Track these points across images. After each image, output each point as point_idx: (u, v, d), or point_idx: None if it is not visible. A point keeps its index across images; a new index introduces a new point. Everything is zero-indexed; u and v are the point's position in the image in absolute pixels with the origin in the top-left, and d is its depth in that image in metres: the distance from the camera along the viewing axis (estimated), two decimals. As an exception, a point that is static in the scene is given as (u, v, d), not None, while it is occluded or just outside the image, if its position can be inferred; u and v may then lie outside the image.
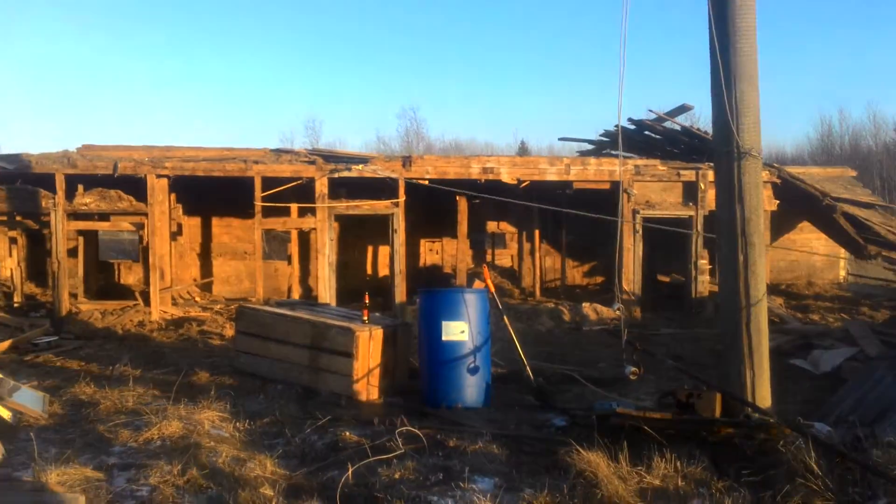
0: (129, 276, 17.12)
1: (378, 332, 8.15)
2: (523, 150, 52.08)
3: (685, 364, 9.82)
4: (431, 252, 18.77)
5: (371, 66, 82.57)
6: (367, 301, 8.40)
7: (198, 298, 15.86)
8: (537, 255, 17.44)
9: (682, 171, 14.66)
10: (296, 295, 15.23)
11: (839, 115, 61.70)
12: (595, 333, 13.03)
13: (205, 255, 17.69)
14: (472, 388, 7.87)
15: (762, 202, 6.83)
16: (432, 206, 16.02)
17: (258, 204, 13.28)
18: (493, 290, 8.41)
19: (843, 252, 18.16)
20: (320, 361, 8.28)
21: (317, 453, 6.27)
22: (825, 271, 18.94)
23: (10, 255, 14.18)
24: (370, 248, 18.33)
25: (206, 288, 17.26)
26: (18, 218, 13.19)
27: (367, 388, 8.03)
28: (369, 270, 18.46)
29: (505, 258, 19.10)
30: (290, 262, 15.90)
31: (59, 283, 12.57)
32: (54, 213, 12.49)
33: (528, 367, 8.27)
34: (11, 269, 14.19)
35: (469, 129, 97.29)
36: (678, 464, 5.27)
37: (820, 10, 66.87)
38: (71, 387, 8.42)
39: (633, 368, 7.23)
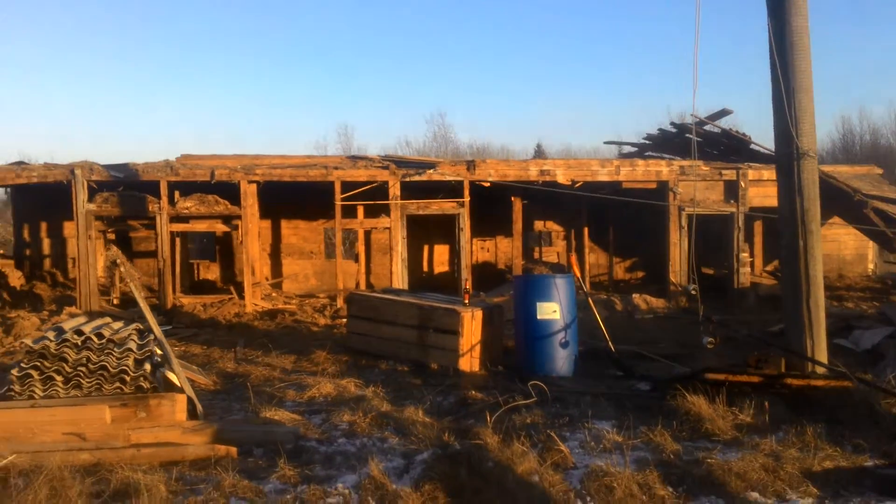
0: (208, 273, 18.51)
1: (479, 313, 9.40)
2: (539, 153, 53.13)
3: (740, 342, 11.01)
4: (482, 250, 20.05)
5: (393, 72, 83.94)
6: (468, 287, 9.68)
7: (274, 294, 17.18)
8: (585, 251, 18.68)
9: (723, 171, 15.85)
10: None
11: (859, 113, 62.35)
12: (648, 320, 14.23)
13: (274, 255, 19.04)
14: (563, 360, 9.10)
15: (818, 195, 8.06)
16: (484, 206, 17.28)
17: (338, 204, 14.56)
18: (579, 275, 9.65)
19: (871, 246, 19.29)
20: (427, 339, 9.53)
21: (449, 408, 7.51)
22: (854, 264, 20.03)
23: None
24: (426, 247, 19.62)
25: (276, 285, 18.60)
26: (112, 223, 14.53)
27: (471, 360, 9.27)
28: (426, 268, 19.76)
29: (551, 255, 20.34)
30: (356, 260, 17.21)
31: (164, 279, 13.95)
32: (159, 217, 13.88)
33: (609, 342, 9.52)
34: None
35: (489, 133, 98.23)
36: (764, 405, 6.53)
37: (841, 8, 67.69)
38: (215, 363, 9.76)
39: (710, 339, 8.44)
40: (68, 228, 17.00)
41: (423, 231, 18.73)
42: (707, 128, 16.99)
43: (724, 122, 16.58)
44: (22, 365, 5.99)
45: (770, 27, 7.93)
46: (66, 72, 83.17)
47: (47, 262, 17.33)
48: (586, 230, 18.50)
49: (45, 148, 66.03)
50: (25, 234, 17.53)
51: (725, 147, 17.25)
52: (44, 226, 17.38)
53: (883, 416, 6.22)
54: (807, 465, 5.39)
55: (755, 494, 4.99)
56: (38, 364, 5.99)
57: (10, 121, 75.40)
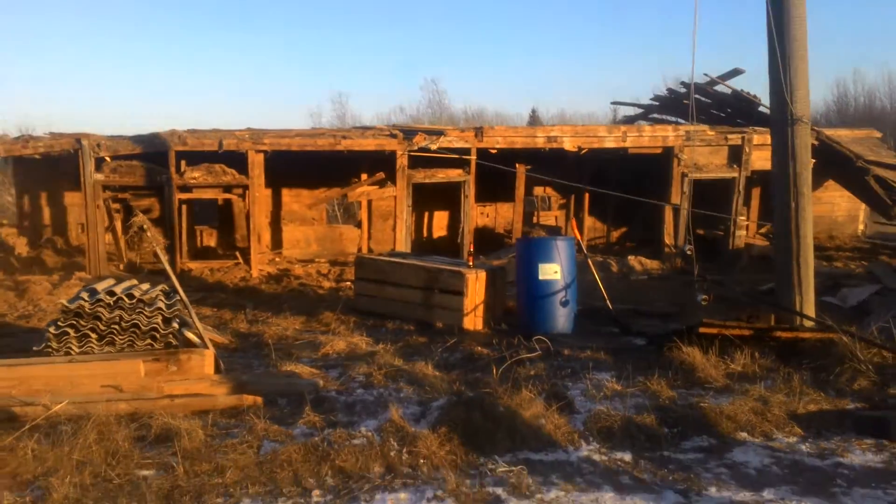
0: (210, 239, 18.83)
1: (482, 275, 9.78)
2: (534, 119, 53.04)
3: (731, 300, 11.42)
4: (482, 215, 20.35)
5: (387, 38, 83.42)
6: (472, 250, 10.06)
7: (277, 259, 17.54)
8: (584, 215, 19.00)
9: (729, 136, 16.03)
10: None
11: (853, 75, 62.31)
12: (643, 281, 14.63)
13: (275, 223, 19.33)
14: (563, 318, 9.50)
15: (810, 160, 8.42)
16: (486, 172, 17.57)
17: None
18: (579, 238, 10.02)
19: (863, 208, 19.64)
20: (433, 299, 9.91)
21: (456, 363, 7.89)
22: (846, 226, 20.40)
23: (116, 224, 15.84)
24: (426, 214, 19.93)
25: (278, 251, 18.94)
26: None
27: (474, 319, 9.67)
28: (425, 233, 20.10)
29: (549, 219, 20.67)
30: (359, 227, 17.55)
31: (173, 246, 14.31)
32: (168, 186, 14.20)
33: (607, 300, 9.93)
34: (117, 237, 15.86)
35: (482, 98, 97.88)
36: (755, 355, 6.96)
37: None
38: (228, 324, 10.15)
39: (704, 296, 8.84)
40: (69, 197, 17.25)
41: (423, 197, 19.00)
42: (718, 88, 17.04)
43: (736, 83, 16.53)
44: (59, 323, 6.37)
45: (767, -4, 8.20)
46: (62, 42, 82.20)
47: (48, 231, 17.61)
48: (587, 195, 18.82)
49: (44, 113, 65.44)
50: (26, 203, 17.77)
51: (734, 109, 17.32)
52: (44, 195, 17.62)
53: (865, 365, 6.65)
54: (792, 408, 5.82)
55: (744, 434, 5.42)
56: (74, 322, 6.37)
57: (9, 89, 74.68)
